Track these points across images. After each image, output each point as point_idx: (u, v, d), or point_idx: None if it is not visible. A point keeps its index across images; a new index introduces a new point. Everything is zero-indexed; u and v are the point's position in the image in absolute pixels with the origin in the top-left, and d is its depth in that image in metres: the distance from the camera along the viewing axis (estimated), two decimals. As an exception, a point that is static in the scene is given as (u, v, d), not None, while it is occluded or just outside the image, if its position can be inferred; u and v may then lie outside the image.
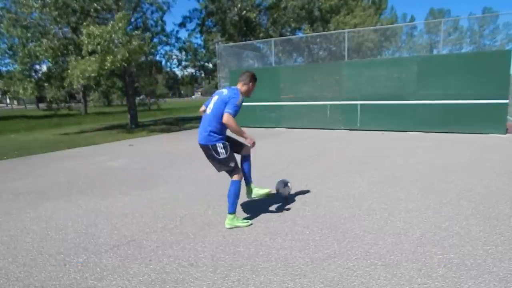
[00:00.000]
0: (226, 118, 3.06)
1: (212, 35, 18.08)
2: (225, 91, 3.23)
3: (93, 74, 9.88)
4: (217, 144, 3.16)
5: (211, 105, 3.21)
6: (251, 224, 3.28)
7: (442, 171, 5.12)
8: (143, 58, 12.90)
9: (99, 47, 9.72)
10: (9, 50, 11.95)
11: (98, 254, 2.72)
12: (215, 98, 3.24)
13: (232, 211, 3.22)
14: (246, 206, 3.76)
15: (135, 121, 14.11)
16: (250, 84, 3.34)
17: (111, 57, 9.80)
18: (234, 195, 3.21)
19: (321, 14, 20.43)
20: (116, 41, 9.86)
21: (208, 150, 3.18)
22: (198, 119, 3.82)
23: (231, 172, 3.25)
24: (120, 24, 9.76)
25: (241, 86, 3.31)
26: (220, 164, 3.22)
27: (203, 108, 3.37)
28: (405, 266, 2.40)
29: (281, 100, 11.64)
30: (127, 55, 9.97)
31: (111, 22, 10.15)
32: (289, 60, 20.78)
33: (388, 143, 7.90)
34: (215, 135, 3.17)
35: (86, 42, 9.77)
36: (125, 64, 10.53)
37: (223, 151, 3.17)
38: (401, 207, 3.60)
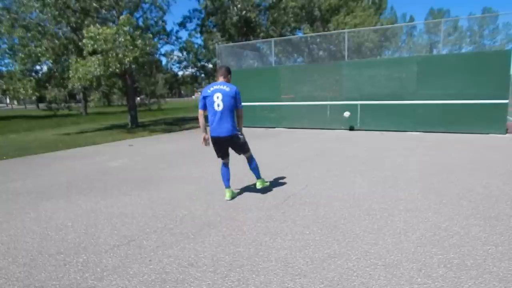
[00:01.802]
0: (242, 113, 3.85)
1: (212, 33, 18.03)
2: (225, 87, 3.73)
3: (96, 73, 9.86)
4: (238, 133, 3.83)
5: (219, 103, 3.68)
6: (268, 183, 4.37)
7: (442, 171, 5.12)
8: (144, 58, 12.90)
9: (101, 47, 9.71)
10: (10, 50, 11.95)
11: (98, 254, 2.72)
12: (218, 95, 3.68)
13: (260, 176, 4.15)
14: (246, 205, 3.76)
15: (135, 121, 14.11)
16: (229, 76, 3.90)
17: (115, 59, 9.79)
18: (257, 166, 4.10)
19: (321, 14, 20.41)
20: (119, 43, 9.83)
21: (232, 139, 3.81)
22: (198, 119, 3.97)
23: (246, 151, 3.99)
24: (125, 28, 9.76)
25: (227, 80, 3.86)
26: (242, 146, 3.92)
27: (201, 111, 3.84)
28: (405, 266, 2.40)
29: (281, 100, 11.64)
30: (136, 55, 9.98)
31: (114, 25, 10.15)
32: (289, 60, 20.76)
33: (388, 143, 7.90)
34: (235, 125, 3.81)
35: (88, 44, 9.75)
36: (136, 65, 10.59)
37: (242, 136, 3.87)
38: (401, 207, 3.60)
